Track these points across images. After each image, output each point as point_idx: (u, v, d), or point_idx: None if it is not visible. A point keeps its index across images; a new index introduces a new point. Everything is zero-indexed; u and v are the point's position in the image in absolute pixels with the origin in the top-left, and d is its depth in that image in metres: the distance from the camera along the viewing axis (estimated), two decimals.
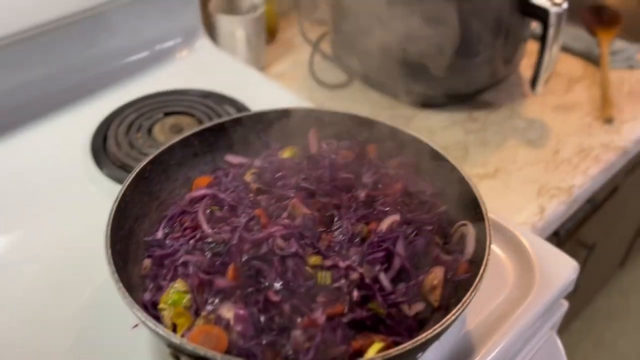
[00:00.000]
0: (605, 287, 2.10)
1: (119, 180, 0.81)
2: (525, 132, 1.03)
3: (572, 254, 1.18)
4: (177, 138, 0.71)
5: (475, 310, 0.65)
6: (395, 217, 0.64)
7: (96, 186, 0.82)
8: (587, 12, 1.31)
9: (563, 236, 1.09)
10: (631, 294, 2.11)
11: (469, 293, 0.53)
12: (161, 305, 0.57)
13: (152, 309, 0.57)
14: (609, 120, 1.05)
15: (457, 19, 0.97)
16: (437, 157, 0.70)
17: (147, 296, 0.59)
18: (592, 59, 1.21)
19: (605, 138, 1.02)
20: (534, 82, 1.03)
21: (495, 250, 0.72)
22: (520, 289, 0.67)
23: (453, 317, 0.51)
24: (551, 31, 0.96)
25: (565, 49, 1.24)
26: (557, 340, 0.73)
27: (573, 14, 1.14)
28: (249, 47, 1.10)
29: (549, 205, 0.89)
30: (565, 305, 0.73)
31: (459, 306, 0.52)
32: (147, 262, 0.62)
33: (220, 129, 0.75)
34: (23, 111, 0.91)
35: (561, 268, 0.69)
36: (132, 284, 0.60)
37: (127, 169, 0.82)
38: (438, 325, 0.51)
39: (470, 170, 0.94)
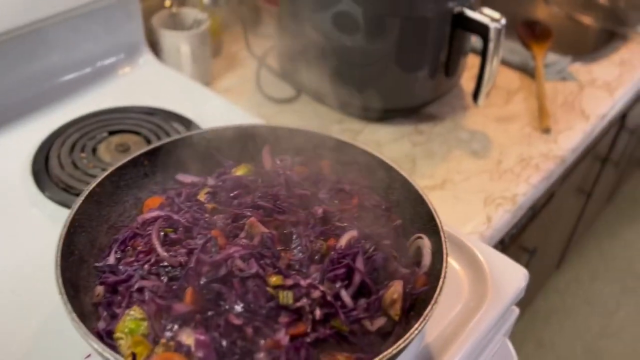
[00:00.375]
0: (543, 288, 2.19)
1: (62, 203, 0.77)
2: (469, 143, 1.07)
3: (515, 258, 1.22)
4: (126, 158, 0.69)
5: (434, 322, 0.66)
6: (353, 233, 0.64)
7: (38, 209, 0.78)
8: (522, 26, 1.37)
9: (507, 242, 1.13)
10: (567, 294, 2.21)
11: (429, 306, 0.54)
12: (117, 334, 0.54)
13: (107, 338, 0.55)
14: (546, 131, 1.10)
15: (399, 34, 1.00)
16: (390, 171, 0.71)
17: (101, 325, 0.56)
18: (528, 72, 1.27)
19: (544, 148, 1.06)
20: (475, 94, 1.06)
21: (449, 261, 0.73)
22: (475, 299, 0.69)
23: (416, 332, 0.52)
24: (491, 46, 1.00)
25: (503, 62, 1.29)
26: (510, 346, 0.76)
27: (509, 29, 1.19)
28: (194, 62, 1.08)
29: (495, 215, 0.92)
30: (516, 311, 0.76)
31: (420, 320, 0.53)
32: (99, 289, 0.60)
33: (171, 147, 0.73)
34: None
35: (512, 276, 0.72)
36: (85, 312, 0.57)
37: (71, 191, 0.79)
38: (402, 340, 0.51)
39: (419, 182, 0.96)
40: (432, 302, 0.54)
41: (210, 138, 0.75)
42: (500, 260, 0.74)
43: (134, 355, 0.52)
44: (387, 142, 1.06)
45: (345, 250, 0.62)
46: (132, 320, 0.55)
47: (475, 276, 0.71)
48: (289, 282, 0.58)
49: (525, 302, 1.96)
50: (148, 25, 1.09)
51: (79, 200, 0.62)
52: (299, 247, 0.63)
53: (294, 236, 0.64)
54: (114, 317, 0.57)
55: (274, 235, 0.63)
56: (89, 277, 0.61)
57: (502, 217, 0.92)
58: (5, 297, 0.67)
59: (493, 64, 1.02)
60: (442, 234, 0.62)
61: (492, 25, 0.98)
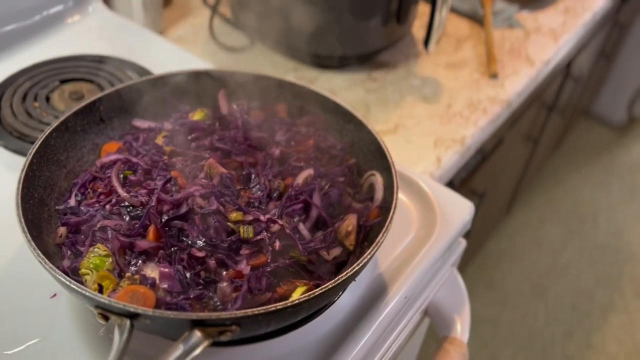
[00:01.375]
0: (494, 232, 2.29)
1: (19, 152, 0.77)
2: (421, 89, 1.10)
3: None
4: (81, 104, 0.69)
5: (385, 253, 0.70)
6: (309, 171, 0.67)
7: None
8: None
9: (457, 185, 1.19)
10: (516, 237, 2.32)
11: (381, 234, 0.57)
12: (83, 270, 0.56)
13: (73, 275, 0.57)
14: (494, 76, 1.14)
15: None
16: (344, 113, 0.73)
17: (66, 263, 0.58)
18: (477, 19, 1.30)
19: (491, 92, 1.11)
20: (426, 42, 1.09)
21: (400, 196, 0.77)
22: (424, 231, 0.73)
23: (368, 257, 0.55)
24: None
25: (453, 10, 1.32)
26: (458, 276, 0.81)
27: None
28: (145, 10, 1.07)
29: (444, 156, 0.96)
30: (463, 243, 0.81)
31: (372, 247, 0.56)
32: (62, 229, 0.61)
33: (126, 92, 0.73)
34: None
35: (458, 209, 0.76)
36: (49, 252, 0.59)
37: (26, 139, 0.78)
38: (355, 265, 0.55)
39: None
40: (383, 229, 0.58)
41: (165, 83, 0.75)
42: (447, 195, 0.78)
43: (100, 287, 0.54)
44: (341, 90, 1.08)
45: (302, 187, 0.65)
46: (96, 257, 0.57)
47: (424, 210, 0.75)
48: (249, 217, 0.61)
49: (477, 245, 2.05)
50: None
51: (36, 144, 0.62)
52: (257, 186, 0.65)
53: (253, 176, 0.67)
54: (78, 255, 0.58)
55: (233, 176, 0.66)
56: (50, 219, 0.62)
57: (451, 158, 0.96)
58: None
59: (442, 12, 1.04)
60: (392, 168, 0.65)
61: None
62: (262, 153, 0.70)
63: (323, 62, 1.12)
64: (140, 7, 1.05)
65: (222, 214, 0.60)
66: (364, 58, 1.14)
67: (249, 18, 1.13)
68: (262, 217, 0.61)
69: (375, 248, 0.56)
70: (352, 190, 0.70)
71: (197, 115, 0.76)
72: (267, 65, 1.11)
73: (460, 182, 1.20)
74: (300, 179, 0.66)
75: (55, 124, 0.65)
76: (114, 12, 1.06)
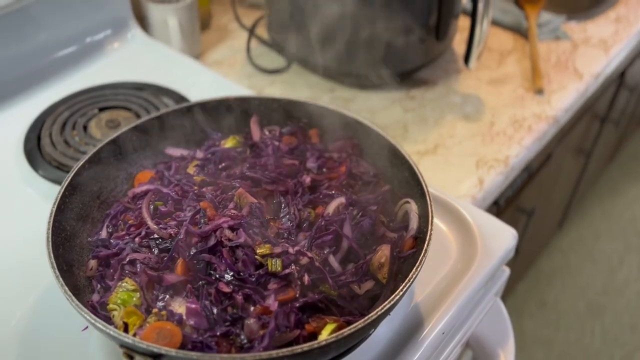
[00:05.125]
0: (546, 248, 2.20)
1: (57, 181, 0.78)
2: (462, 107, 1.06)
3: (512, 220, 1.23)
4: (113, 135, 0.69)
5: (423, 283, 0.67)
6: (341, 200, 0.65)
7: (32, 188, 0.79)
8: None
9: (502, 204, 1.14)
10: (570, 253, 2.22)
11: (414, 269, 0.55)
12: (110, 306, 0.56)
13: (101, 310, 0.57)
14: (539, 91, 1.09)
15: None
16: (377, 137, 0.71)
17: (95, 297, 0.58)
18: (521, 32, 1.25)
19: (537, 108, 1.06)
20: (467, 57, 1.05)
21: (438, 224, 0.74)
22: (464, 260, 0.70)
23: (401, 293, 0.53)
24: (480, 6, 0.98)
25: (496, 23, 1.28)
26: (501, 305, 0.77)
27: None
28: (182, 35, 1.08)
29: (487, 177, 0.92)
30: (507, 271, 0.77)
31: (405, 282, 0.54)
32: (92, 263, 0.61)
33: (159, 121, 0.73)
34: None
35: (501, 237, 0.72)
36: (79, 286, 0.59)
37: (64, 168, 0.79)
38: (387, 302, 0.52)
39: (411, 148, 0.97)
40: (417, 264, 0.55)
41: (198, 110, 0.75)
42: (489, 221, 0.74)
43: (126, 325, 0.53)
44: (379, 110, 1.06)
45: (332, 217, 0.63)
46: (124, 292, 0.56)
47: (465, 238, 0.72)
48: (278, 249, 0.59)
49: (527, 262, 1.97)
50: None
51: (68, 178, 0.63)
52: (287, 216, 0.64)
53: (283, 205, 0.65)
54: (107, 289, 0.58)
55: (263, 205, 0.64)
56: (82, 252, 0.62)
57: (494, 180, 0.92)
58: (3, 275, 0.68)
59: (483, 25, 1.01)
60: (427, 197, 0.62)
61: None
62: (293, 181, 0.68)
63: (360, 81, 1.10)
64: (177, 33, 1.06)
65: (250, 246, 0.59)
66: (402, 76, 1.12)
67: (285, 39, 1.12)
68: (290, 250, 0.59)
69: (408, 284, 0.53)
70: (387, 218, 0.67)
71: (229, 143, 0.75)
72: (303, 87, 1.10)
73: (505, 201, 1.15)
74: (331, 208, 0.64)
75: (86, 156, 0.65)
76: (152, 38, 1.07)
